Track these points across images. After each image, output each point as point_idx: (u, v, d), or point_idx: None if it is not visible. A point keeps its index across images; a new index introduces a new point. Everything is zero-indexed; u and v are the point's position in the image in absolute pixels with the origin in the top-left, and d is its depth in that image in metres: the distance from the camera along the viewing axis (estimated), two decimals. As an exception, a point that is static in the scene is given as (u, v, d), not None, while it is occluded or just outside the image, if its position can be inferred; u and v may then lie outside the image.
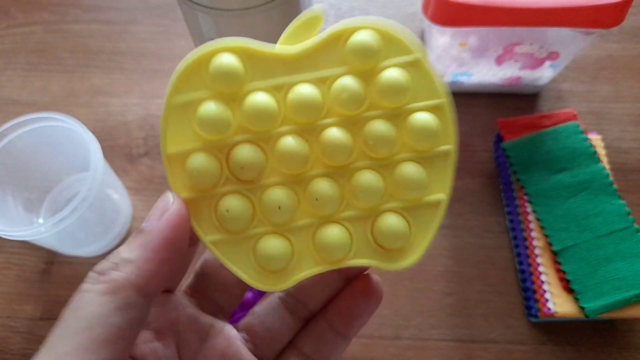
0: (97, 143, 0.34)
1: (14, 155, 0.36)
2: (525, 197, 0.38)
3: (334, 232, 0.17)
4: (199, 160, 0.16)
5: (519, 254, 0.38)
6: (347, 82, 0.17)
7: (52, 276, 0.39)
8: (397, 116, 0.17)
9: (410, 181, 0.17)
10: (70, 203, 0.32)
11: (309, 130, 0.17)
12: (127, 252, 0.15)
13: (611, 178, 0.37)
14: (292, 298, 0.20)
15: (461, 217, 0.40)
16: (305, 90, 0.16)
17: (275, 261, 0.17)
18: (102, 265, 0.16)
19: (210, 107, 0.16)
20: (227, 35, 0.28)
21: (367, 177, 0.17)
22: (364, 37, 0.17)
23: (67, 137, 0.35)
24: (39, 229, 0.31)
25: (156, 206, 0.16)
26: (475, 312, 0.37)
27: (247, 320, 0.21)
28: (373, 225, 0.17)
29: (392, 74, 0.17)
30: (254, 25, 0.28)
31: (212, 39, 0.28)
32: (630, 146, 0.42)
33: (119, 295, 0.15)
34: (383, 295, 0.19)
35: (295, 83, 0.17)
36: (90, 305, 0.15)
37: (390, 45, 0.17)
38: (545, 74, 0.42)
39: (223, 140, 0.17)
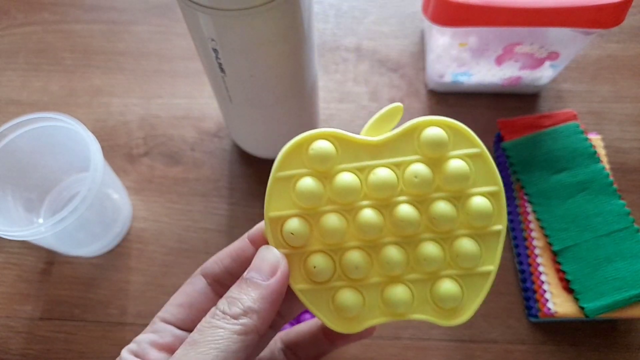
0: (97, 143, 0.34)
1: (14, 155, 0.36)
2: (525, 197, 0.38)
3: (399, 291, 0.20)
4: (295, 224, 0.20)
5: (519, 254, 0.38)
6: (419, 168, 0.20)
7: (52, 276, 0.39)
8: (458, 198, 0.21)
9: (466, 254, 0.21)
10: (70, 203, 0.32)
11: (385, 206, 0.21)
12: (252, 302, 0.19)
13: (611, 178, 0.37)
14: (291, 351, 0.25)
15: (461, 217, 0.40)
16: (383, 173, 0.20)
17: (350, 310, 0.20)
18: (233, 310, 0.19)
19: (307, 182, 0.20)
20: (227, 35, 0.28)
21: (430, 248, 0.20)
22: (435, 131, 0.20)
23: (67, 137, 0.35)
24: (38, 229, 0.31)
25: (265, 260, 0.20)
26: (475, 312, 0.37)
27: None
28: (432, 287, 0.21)
29: (457, 164, 0.20)
30: (254, 25, 0.28)
31: (212, 39, 0.29)
32: (630, 146, 0.42)
33: (248, 337, 0.19)
34: None
35: (376, 166, 0.20)
36: (226, 341, 0.18)
37: (457, 137, 0.21)
38: (545, 74, 0.42)
39: (315, 209, 0.20)
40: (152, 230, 0.40)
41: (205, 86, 0.46)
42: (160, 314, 0.23)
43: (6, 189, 0.36)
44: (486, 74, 0.42)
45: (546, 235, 0.36)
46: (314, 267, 0.20)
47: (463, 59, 0.40)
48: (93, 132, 0.34)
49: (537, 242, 0.36)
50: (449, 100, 0.45)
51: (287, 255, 0.20)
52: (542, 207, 0.37)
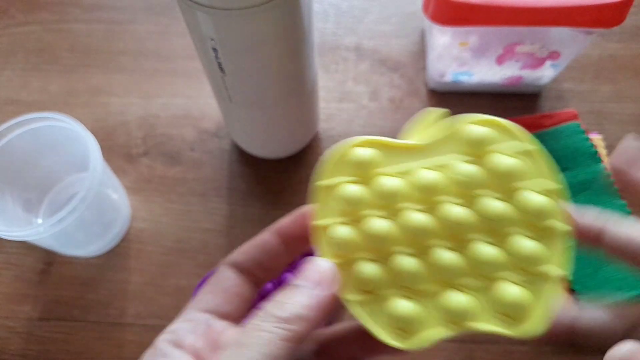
0: (96, 143, 0.34)
1: (13, 155, 0.35)
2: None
3: (456, 298, 0.19)
4: (342, 232, 0.20)
5: (519, 255, 0.37)
6: (464, 166, 0.20)
7: (51, 276, 0.39)
8: (509, 196, 0.19)
9: (524, 254, 0.19)
10: (69, 203, 0.32)
11: (432, 208, 0.20)
12: (301, 309, 0.19)
13: (612, 178, 0.37)
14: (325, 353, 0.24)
15: (462, 217, 0.40)
16: (427, 174, 0.20)
17: (406, 321, 0.19)
18: (280, 314, 0.19)
19: (350, 189, 0.20)
20: (227, 35, 0.28)
21: (485, 250, 0.19)
22: (479, 129, 0.20)
23: (66, 137, 0.35)
24: (37, 229, 0.31)
25: (315, 269, 0.20)
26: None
27: None
28: (492, 292, 0.19)
29: (505, 160, 0.19)
30: (253, 24, 0.27)
31: (212, 39, 0.28)
32: (631, 146, 0.42)
33: (293, 345, 0.18)
34: None
35: (419, 168, 0.20)
36: (272, 346, 0.18)
37: (504, 134, 0.20)
38: (546, 73, 0.42)
39: (360, 215, 0.20)
40: (151, 231, 0.40)
41: (204, 86, 0.46)
42: (193, 304, 0.22)
43: (5, 189, 0.36)
44: (487, 73, 0.42)
45: (547, 236, 0.36)
46: (363, 273, 0.19)
47: (464, 58, 0.40)
48: (92, 132, 0.34)
49: (538, 242, 0.36)
50: (450, 99, 0.45)
51: (336, 265, 0.20)
52: (543, 207, 0.37)
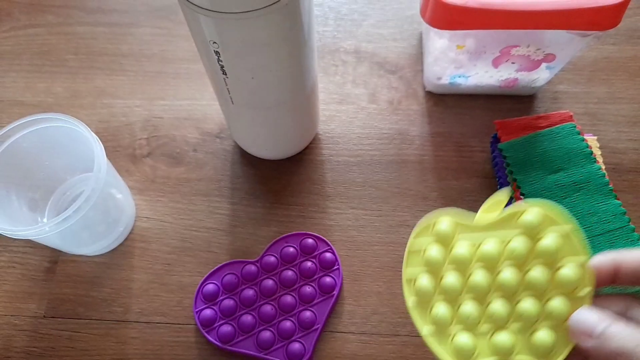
0: (101, 144, 0.34)
1: (18, 156, 0.36)
2: (522, 197, 0.38)
3: (504, 338, 0.26)
4: (424, 282, 0.26)
5: (515, 253, 0.38)
6: (517, 245, 0.26)
7: (56, 275, 0.40)
8: (550, 266, 0.26)
9: (556, 312, 0.25)
10: (74, 203, 0.32)
11: (492, 271, 0.27)
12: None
13: (607, 178, 0.37)
14: None
15: (459, 217, 0.40)
16: (489, 247, 0.27)
17: (465, 352, 0.25)
18: None
19: (432, 251, 0.27)
20: (229, 38, 0.28)
21: (527, 305, 0.26)
22: (530, 217, 0.26)
23: (71, 138, 0.36)
24: (43, 228, 0.32)
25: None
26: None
27: None
28: (531, 335, 0.26)
29: (547, 242, 0.26)
30: (255, 28, 0.28)
31: (214, 42, 0.29)
32: (625, 146, 0.43)
33: None
34: None
35: (484, 240, 0.27)
36: None
37: (547, 221, 0.26)
38: (541, 75, 0.42)
39: (440, 268, 0.27)
40: (155, 230, 0.41)
41: (207, 88, 0.46)
42: None
43: (10, 189, 0.37)
44: (483, 75, 0.42)
45: (542, 235, 0.36)
46: (437, 315, 0.26)
47: (460, 61, 0.41)
48: (96, 133, 0.35)
49: (534, 241, 0.37)
50: (447, 101, 0.45)
51: (416, 303, 0.26)
52: (539, 207, 0.37)
